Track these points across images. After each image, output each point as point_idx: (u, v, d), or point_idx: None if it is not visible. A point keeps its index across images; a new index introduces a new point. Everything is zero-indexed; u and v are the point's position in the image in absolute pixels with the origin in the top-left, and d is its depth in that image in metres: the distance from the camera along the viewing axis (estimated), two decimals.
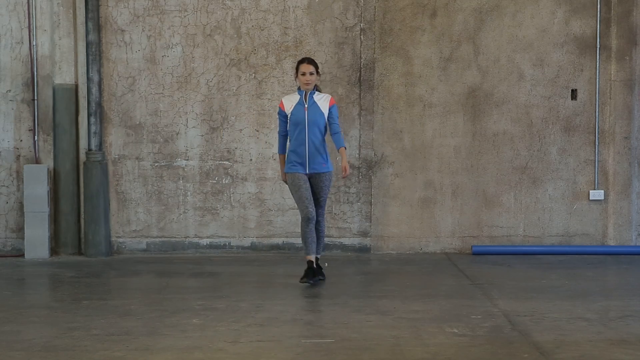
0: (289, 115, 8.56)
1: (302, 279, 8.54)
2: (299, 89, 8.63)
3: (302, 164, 8.50)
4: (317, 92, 8.60)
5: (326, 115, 8.54)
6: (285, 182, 8.71)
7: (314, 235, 8.53)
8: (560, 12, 10.37)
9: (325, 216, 8.78)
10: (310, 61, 8.60)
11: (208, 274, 9.25)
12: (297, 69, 8.64)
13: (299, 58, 9.12)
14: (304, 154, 8.48)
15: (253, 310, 7.43)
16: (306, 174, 8.51)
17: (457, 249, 10.46)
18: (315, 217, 8.49)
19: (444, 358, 6.04)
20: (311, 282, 8.49)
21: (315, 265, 8.60)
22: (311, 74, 8.54)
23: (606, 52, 10.37)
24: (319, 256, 8.70)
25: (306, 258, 8.63)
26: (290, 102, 8.61)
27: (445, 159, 10.41)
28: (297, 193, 8.51)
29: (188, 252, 10.38)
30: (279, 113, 8.66)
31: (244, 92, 10.36)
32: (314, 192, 8.55)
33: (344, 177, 8.52)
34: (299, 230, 8.91)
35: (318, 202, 8.59)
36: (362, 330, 6.75)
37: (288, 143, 8.66)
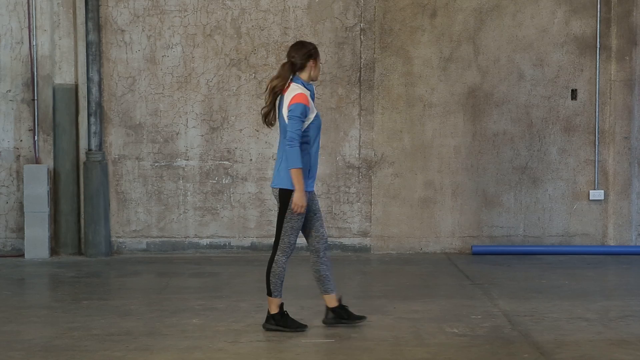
0: (312, 117, 6.41)
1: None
2: (306, 83, 6.54)
3: (314, 180, 6.70)
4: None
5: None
6: (301, 207, 6.53)
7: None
8: (560, 12, 10.37)
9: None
10: None
11: (208, 274, 9.25)
12: (315, 57, 6.49)
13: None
14: (315, 167, 6.67)
15: (253, 310, 7.42)
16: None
17: (457, 249, 10.45)
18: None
19: (444, 358, 6.04)
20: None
21: (339, 307, 6.87)
22: None
23: (606, 52, 10.37)
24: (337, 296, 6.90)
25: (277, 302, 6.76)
26: (309, 100, 6.44)
27: (445, 159, 10.40)
28: (302, 221, 6.66)
29: (188, 252, 10.38)
30: (301, 112, 6.33)
31: (244, 92, 10.35)
32: (313, 211, 6.72)
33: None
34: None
35: (318, 222, 6.75)
36: (362, 330, 6.75)
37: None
